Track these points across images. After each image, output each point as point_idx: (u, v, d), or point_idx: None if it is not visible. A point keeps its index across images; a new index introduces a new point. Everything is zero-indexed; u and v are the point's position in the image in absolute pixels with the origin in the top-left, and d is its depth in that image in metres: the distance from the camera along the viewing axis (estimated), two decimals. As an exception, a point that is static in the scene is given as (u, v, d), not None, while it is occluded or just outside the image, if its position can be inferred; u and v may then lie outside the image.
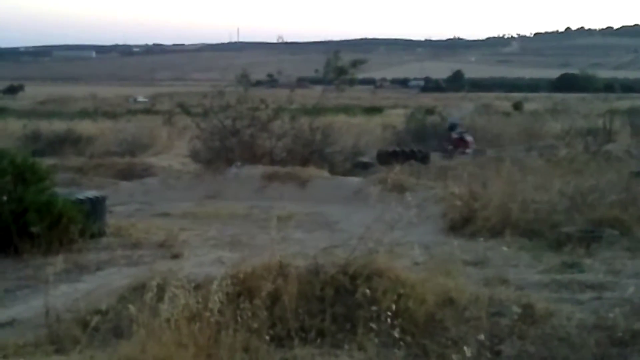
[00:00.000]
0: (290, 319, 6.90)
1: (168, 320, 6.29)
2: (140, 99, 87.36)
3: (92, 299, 8.19)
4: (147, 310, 6.42)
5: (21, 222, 11.61)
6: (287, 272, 7.49)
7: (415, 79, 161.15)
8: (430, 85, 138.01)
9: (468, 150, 25.58)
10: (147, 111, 56.77)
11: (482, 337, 6.35)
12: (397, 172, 17.98)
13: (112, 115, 49.15)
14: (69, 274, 10.38)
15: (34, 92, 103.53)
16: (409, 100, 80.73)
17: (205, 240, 13.09)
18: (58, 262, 10.51)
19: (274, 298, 7.10)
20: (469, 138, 26.75)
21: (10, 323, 8.28)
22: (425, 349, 6.61)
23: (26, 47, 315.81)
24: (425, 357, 6.53)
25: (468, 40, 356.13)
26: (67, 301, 8.36)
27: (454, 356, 6.08)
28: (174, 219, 15.71)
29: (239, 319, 6.50)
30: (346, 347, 6.55)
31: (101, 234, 13.00)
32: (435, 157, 24.63)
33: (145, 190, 19.79)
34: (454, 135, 27.00)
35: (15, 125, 36.29)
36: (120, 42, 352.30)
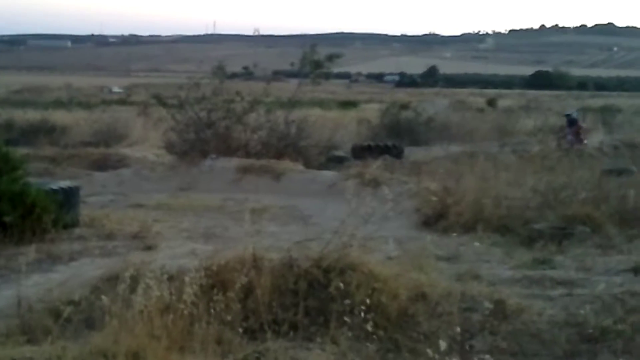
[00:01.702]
0: (263, 312, 6.93)
1: (141, 312, 6.30)
2: (116, 89, 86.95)
3: (64, 290, 8.17)
4: (120, 302, 6.42)
5: (-7, 212, 11.54)
6: (261, 265, 7.52)
7: (390, 73, 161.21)
8: (405, 81, 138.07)
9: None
10: (122, 102, 56.46)
11: (453, 332, 6.39)
12: (375, 167, 17.96)
13: (86, 106, 48.78)
14: (42, 264, 10.35)
15: (8, 81, 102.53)
16: (384, 95, 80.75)
17: (179, 232, 13.06)
18: (30, 252, 10.46)
19: (248, 291, 7.12)
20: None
21: (-19, 313, 8.24)
22: (397, 343, 6.66)
23: (0, 36, 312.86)
24: (397, 352, 6.58)
25: (443, 36, 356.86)
26: (40, 291, 8.34)
27: (427, 350, 6.12)
28: (148, 210, 15.63)
29: (212, 311, 6.52)
30: (319, 340, 6.58)
31: (74, 224, 12.93)
32: (408, 152, 24.68)
33: (119, 181, 19.70)
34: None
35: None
36: (96, 32, 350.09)
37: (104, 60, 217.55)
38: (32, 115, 35.01)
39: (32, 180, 12.90)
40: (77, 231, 12.70)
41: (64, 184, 13.91)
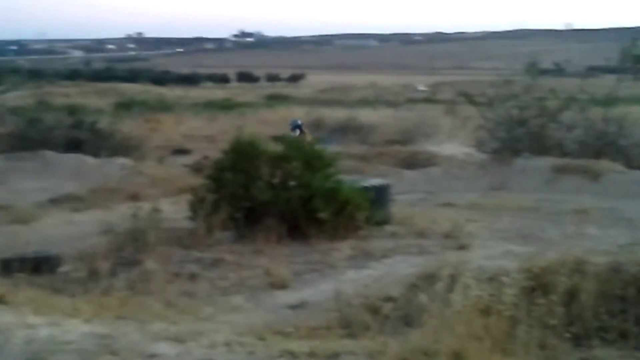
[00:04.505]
0: (588, 318, 6.62)
1: (460, 312, 6.15)
2: (421, 87, 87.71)
3: (380, 286, 8.20)
4: (439, 300, 6.29)
5: (308, 207, 11.84)
6: (585, 268, 7.15)
7: None
8: None
9: None
10: (428, 100, 56.96)
11: None
12: None
13: (392, 104, 49.55)
14: (355, 260, 10.50)
15: (315, 81, 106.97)
16: None
17: (493, 232, 12.79)
18: (344, 247, 10.73)
19: (571, 295, 6.80)
20: None
21: (301, 305, 8.53)
22: None
23: (309, 36, 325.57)
24: None
25: None
26: (356, 287, 8.43)
27: None
28: (459, 209, 15.52)
29: (533, 314, 6.23)
30: (652, 351, 6.13)
31: (386, 222, 13.02)
32: None
33: (429, 179, 19.80)
34: None
35: (297, 113, 37.48)
36: (401, 31, 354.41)
37: (408, 59, 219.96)
38: (339, 114, 36.03)
39: (343, 177, 13.11)
40: (389, 229, 12.79)
41: (376, 181, 14.13)
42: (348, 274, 9.51)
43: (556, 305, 6.49)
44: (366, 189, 13.00)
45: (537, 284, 6.93)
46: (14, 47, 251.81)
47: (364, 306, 7.47)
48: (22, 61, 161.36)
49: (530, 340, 6.03)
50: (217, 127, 32.78)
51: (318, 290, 9.03)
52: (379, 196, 13.27)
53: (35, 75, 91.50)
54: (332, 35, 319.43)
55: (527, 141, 21.03)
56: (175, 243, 11.54)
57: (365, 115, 36.33)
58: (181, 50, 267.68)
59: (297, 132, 22.23)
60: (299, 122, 23.23)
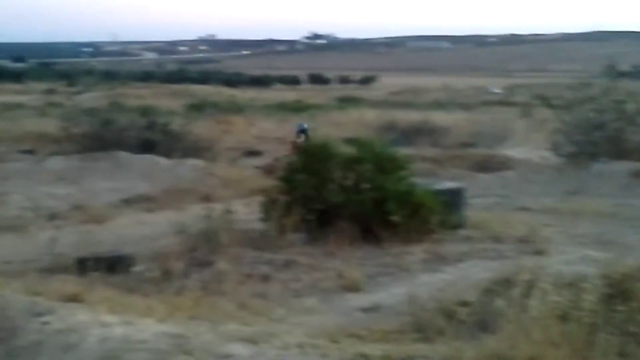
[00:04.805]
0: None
1: (537, 318, 6.02)
2: (495, 90, 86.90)
3: (455, 290, 8.07)
4: (515, 306, 6.19)
5: (381, 210, 11.76)
6: (667, 275, 6.93)
7: None
8: None
9: None
10: (503, 103, 56.42)
11: None
12: None
13: (465, 107, 49.18)
14: (429, 264, 10.44)
15: (387, 83, 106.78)
16: None
17: (570, 237, 12.52)
18: (418, 251, 10.66)
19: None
20: None
21: (374, 309, 8.48)
22: None
23: (381, 38, 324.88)
24: None
25: None
26: (429, 291, 8.34)
27: None
28: (535, 214, 15.25)
29: (613, 321, 6.07)
30: None
31: (460, 225, 12.86)
32: None
33: (503, 183, 19.59)
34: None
35: (370, 115, 37.42)
36: (475, 33, 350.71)
37: (482, 61, 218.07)
38: (412, 116, 35.90)
39: (417, 180, 13.00)
40: (463, 232, 12.62)
41: (450, 184, 14.04)
42: (422, 278, 9.44)
43: (636, 313, 6.32)
44: (440, 192, 12.87)
45: (617, 291, 6.75)
46: (89, 49, 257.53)
47: (439, 310, 7.37)
48: (96, 63, 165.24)
49: (610, 347, 5.88)
50: (289, 128, 32.90)
51: (391, 294, 8.96)
52: (453, 200, 13.12)
53: (109, 76, 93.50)
54: (404, 37, 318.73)
55: (604, 145, 20.67)
56: (248, 244, 11.56)
57: (438, 118, 36.16)
58: (248, 52, 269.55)
59: (302, 136, 22.13)
60: (305, 126, 23.13)
